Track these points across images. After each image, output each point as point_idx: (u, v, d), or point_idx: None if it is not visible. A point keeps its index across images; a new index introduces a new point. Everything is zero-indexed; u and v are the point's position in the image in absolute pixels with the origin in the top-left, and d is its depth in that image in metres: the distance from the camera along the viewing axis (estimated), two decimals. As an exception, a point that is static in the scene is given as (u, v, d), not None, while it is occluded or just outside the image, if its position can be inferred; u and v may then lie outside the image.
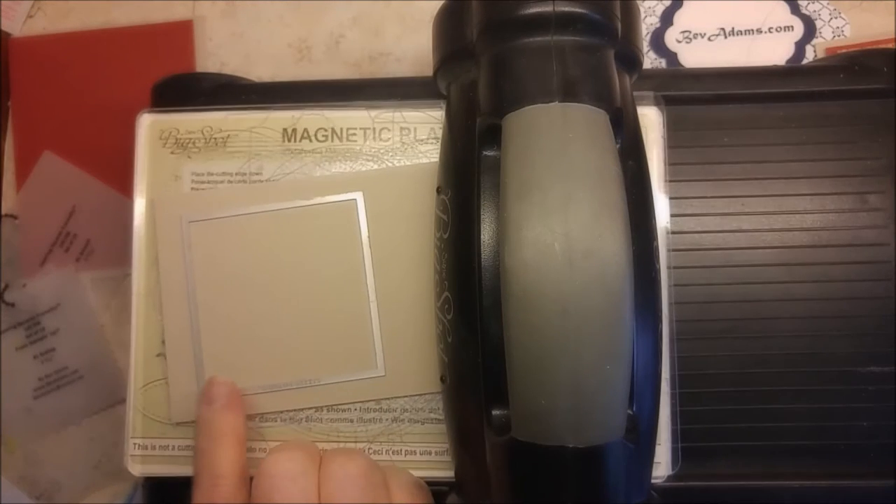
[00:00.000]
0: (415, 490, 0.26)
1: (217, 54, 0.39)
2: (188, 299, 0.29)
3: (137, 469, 0.28)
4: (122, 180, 0.38)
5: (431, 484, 0.27)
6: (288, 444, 0.26)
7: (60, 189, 0.39)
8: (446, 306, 0.24)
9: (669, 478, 0.27)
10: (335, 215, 0.29)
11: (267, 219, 0.29)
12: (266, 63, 0.39)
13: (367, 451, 0.28)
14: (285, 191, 0.29)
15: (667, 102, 0.29)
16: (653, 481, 0.25)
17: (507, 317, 0.20)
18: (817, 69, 0.31)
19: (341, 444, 0.28)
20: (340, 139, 0.29)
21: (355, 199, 0.29)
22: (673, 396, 0.27)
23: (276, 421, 0.28)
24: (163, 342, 0.29)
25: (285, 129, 0.30)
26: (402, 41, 0.39)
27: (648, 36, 0.38)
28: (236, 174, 0.29)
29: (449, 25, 0.25)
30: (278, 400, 0.28)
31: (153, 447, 0.28)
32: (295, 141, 0.29)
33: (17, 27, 0.40)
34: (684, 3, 0.38)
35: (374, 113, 0.29)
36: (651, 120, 0.28)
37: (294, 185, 0.29)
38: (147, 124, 0.30)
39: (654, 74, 0.31)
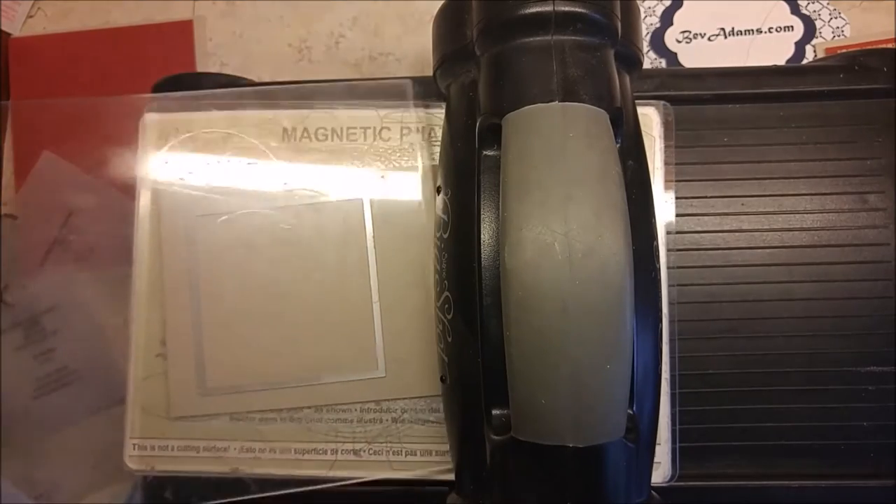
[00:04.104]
0: None
1: (217, 54, 0.39)
2: (191, 293, 0.29)
3: (136, 468, 0.28)
4: (122, 180, 0.38)
5: (431, 484, 0.27)
6: None
7: (60, 189, 0.38)
8: (446, 306, 0.24)
9: (669, 478, 0.27)
10: (341, 214, 0.29)
11: (272, 216, 0.29)
12: (266, 63, 0.39)
13: (366, 451, 0.28)
14: (291, 188, 0.29)
15: (667, 102, 0.29)
16: (653, 481, 0.25)
17: (507, 316, 0.20)
18: (817, 69, 0.31)
19: (341, 444, 0.28)
20: (341, 139, 0.29)
21: (361, 199, 0.29)
22: (673, 396, 0.27)
23: (275, 420, 0.28)
24: (162, 342, 0.29)
25: (285, 129, 0.30)
26: (402, 41, 0.39)
27: (648, 36, 0.38)
28: (236, 174, 0.29)
29: (448, 25, 0.25)
30: (278, 397, 0.28)
31: (152, 447, 0.28)
32: (295, 140, 0.29)
33: (17, 27, 0.40)
34: (684, 3, 0.38)
35: (382, 112, 0.29)
36: (651, 120, 0.28)
37: (300, 182, 0.29)
38: (149, 123, 0.30)
39: (654, 74, 0.31)
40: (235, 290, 0.29)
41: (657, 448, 0.26)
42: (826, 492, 0.28)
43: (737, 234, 0.28)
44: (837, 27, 0.37)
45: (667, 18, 0.38)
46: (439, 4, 0.26)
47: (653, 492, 0.23)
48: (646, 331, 0.22)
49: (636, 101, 0.25)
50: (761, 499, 0.28)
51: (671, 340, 0.27)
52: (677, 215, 0.28)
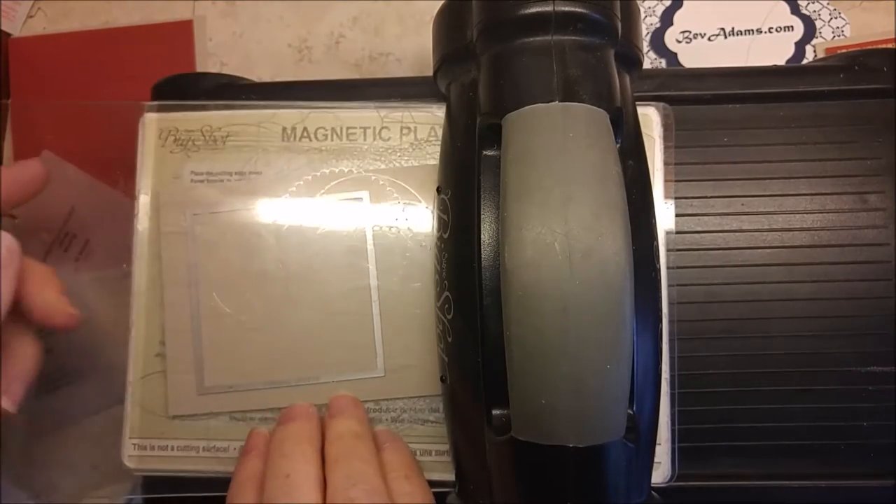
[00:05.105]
0: (410, 472, 0.25)
1: (217, 54, 0.39)
2: (190, 292, 0.29)
3: (135, 468, 0.28)
4: (121, 180, 0.38)
5: (431, 484, 0.27)
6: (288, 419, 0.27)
7: (60, 189, 0.38)
8: (446, 306, 0.24)
9: (669, 478, 0.27)
10: (341, 214, 0.29)
11: (272, 215, 0.29)
12: (266, 63, 0.39)
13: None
14: (291, 187, 0.29)
15: (667, 102, 0.29)
16: (653, 481, 0.25)
17: (508, 316, 0.20)
18: (817, 69, 0.31)
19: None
20: (341, 138, 0.29)
21: (361, 198, 0.29)
22: (673, 396, 0.27)
23: (274, 420, 0.28)
24: (161, 342, 0.29)
25: (284, 128, 0.29)
26: (402, 41, 0.39)
27: (648, 36, 0.38)
28: (236, 173, 0.29)
29: (449, 25, 0.25)
30: (277, 397, 0.28)
31: (151, 447, 0.28)
32: (294, 140, 0.29)
33: (17, 27, 0.40)
34: (684, 3, 0.38)
35: (383, 112, 0.29)
36: (651, 120, 0.28)
37: (300, 182, 0.29)
38: (148, 123, 0.30)
39: (654, 74, 0.31)
40: (234, 289, 0.29)
41: (657, 448, 0.26)
42: (826, 492, 0.28)
43: (737, 234, 0.28)
44: (837, 27, 0.37)
45: (667, 18, 0.38)
46: (439, 4, 0.26)
47: (653, 492, 0.23)
48: (646, 331, 0.22)
49: (636, 101, 0.25)
50: (761, 499, 0.28)
51: (671, 340, 0.27)
52: (677, 215, 0.28)
